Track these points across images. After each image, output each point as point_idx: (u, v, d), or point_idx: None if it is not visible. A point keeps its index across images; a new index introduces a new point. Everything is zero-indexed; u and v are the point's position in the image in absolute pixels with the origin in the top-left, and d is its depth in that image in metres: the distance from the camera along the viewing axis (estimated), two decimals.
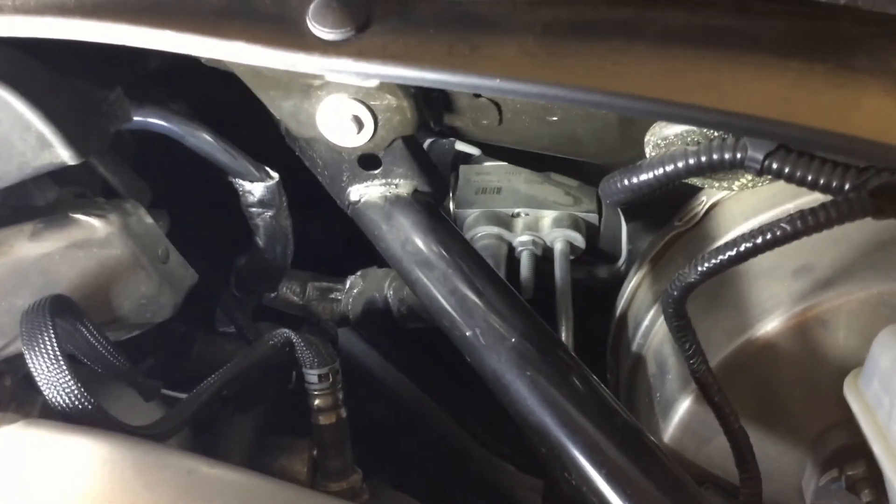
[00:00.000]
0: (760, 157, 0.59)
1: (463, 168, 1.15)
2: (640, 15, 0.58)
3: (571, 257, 1.08)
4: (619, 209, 1.07)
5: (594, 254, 1.11)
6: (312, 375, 0.81)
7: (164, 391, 0.86)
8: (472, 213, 1.09)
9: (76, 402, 0.67)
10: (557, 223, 1.07)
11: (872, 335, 0.71)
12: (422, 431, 1.29)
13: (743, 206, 0.87)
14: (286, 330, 0.82)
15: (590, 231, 1.08)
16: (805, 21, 0.58)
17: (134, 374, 0.81)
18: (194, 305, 0.95)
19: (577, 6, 0.59)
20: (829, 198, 0.59)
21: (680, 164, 0.62)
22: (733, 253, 0.61)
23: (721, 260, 0.62)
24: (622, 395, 0.98)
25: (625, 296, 0.99)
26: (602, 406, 0.71)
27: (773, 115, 0.54)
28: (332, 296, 1.11)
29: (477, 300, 0.75)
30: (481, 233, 1.07)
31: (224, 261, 1.09)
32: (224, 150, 0.90)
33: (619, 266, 1.10)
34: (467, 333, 0.74)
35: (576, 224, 1.07)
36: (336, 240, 1.22)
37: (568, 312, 1.00)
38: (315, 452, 0.88)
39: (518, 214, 1.09)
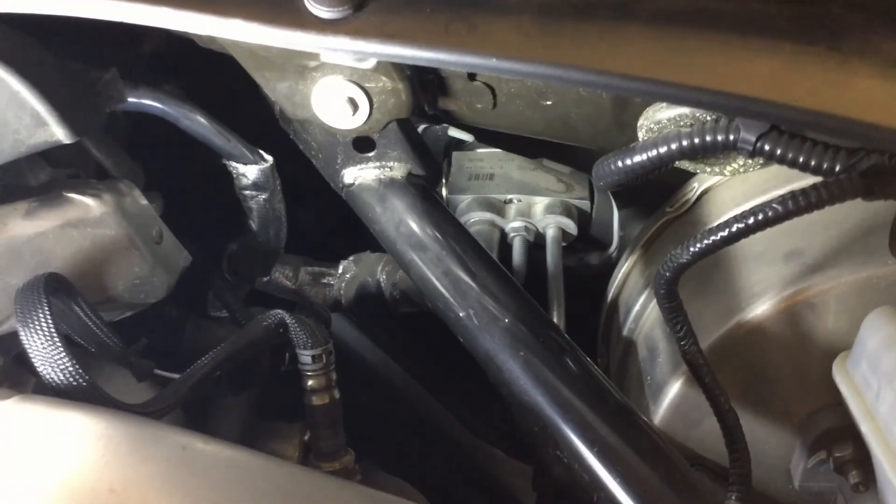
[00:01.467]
0: (753, 138, 0.59)
1: (456, 154, 1.15)
2: None
3: (563, 244, 1.08)
4: (610, 196, 1.08)
5: (586, 240, 1.12)
6: (306, 356, 0.81)
7: (157, 371, 0.87)
8: (464, 199, 1.09)
9: (71, 379, 0.67)
10: (550, 210, 1.07)
11: (861, 318, 0.72)
12: (410, 417, 1.30)
13: (734, 192, 0.88)
14: (280, 311, 0.83)
15: (582, 218, 1.09)
16: (796, 5, 0.58)
17: (127, 355, 0.82)
18: (186, 289, 0.95)
19: None
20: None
21: (673, 146, 0.62)
22: (725, 233, 0.62)
23: (713, 240, 0.63)
24: (613, 381, 0.99)
25: (616, 281, 1.00)
26: (594, 386, 0.71)
27: (765, 95, 0.54)
28: (325, 280, 1.12)
29: (470, 281, 0.75)
30: (474, 218, 1.08)
31: (217, 245, 1.09)
32: (218, 133, 0.90)
33: (610, 253, 1.11)
34: (461, 314, 0.74)
35: (568, 211, 1.08)
36: (328, 224, 1.23)
37: (559, 299, 1.01)
38: (307, 437, 0.89)
39: (510, 201, 1.09)
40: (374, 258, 1.07)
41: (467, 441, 1.29)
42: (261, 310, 1.15)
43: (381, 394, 1.27)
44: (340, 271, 1.11)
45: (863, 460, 0.74)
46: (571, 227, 1.07)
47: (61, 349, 0.67)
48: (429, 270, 0.77)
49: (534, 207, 1.09)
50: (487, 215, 1.07)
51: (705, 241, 0.63)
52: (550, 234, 1.07)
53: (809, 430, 0.79)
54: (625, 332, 0.95)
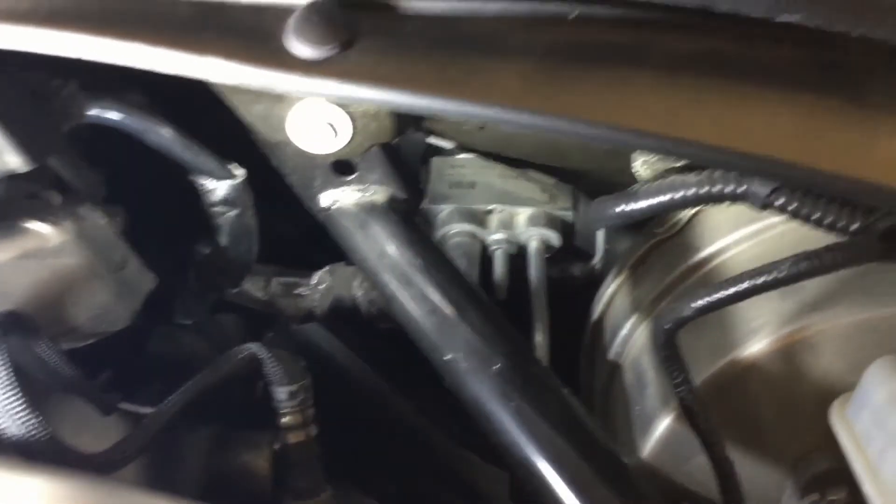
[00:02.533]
0: (765, 192, 0.56)
1: (435, 160, 1.11)
2: (644, 39, 0.55)
3: (546, 255, 1.05)
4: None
5: (569, 251, 1.08)
6: (281, 392, 0.77)
7: (123, 406, 0.82)
8: (444, 209, 1.05)
9: (31, 433, 0.63)
10: (533, 221, 1.04)
11: (860, 360, 0.71)
12: (386, 422, 1.27)
13: (728, 214, 0.85)
14: (253, 344, 0.78)
15: (565, 229, 1.05)
16: (815, 49, 0.55)
17: (90, 389, 0.77)
18: (152, 297, 0.91)
19: (578, 28, 0.55)
20: None
21: (678, 195, 0.59)
22: (732, 291, 0.59)
23: (718, 298, 0.60)
24: (598, 402, 0.97)
25: (602, 300, 0.97)
26: (587, 436, 0.68)
27: (782, 155, 0.51)
28: (298, 291, 1.07)
29: (458, 322, 0.71)
30: (454, 230, 1.04)
31: (184, 251, 1.04)
32: (185, 147, 0.84)
33: (594, 264, 1.08)
34: (447, 357, 0.71)
35: (551, 222, 1.04)
36: (303, 231, 1.18)
37: (543, 316, 0.97)
38: (277, 446, 0.85)
39: (492, 211, 1.05)
40: (350, 271, 1.03)
41: (445, 446, 1.27)
42: (229, 317, 1.11)
43: (357, 399, 1.24)
44: (314, 282, 1.06)
45: None
46: (555, 239, 1.04)
47: (22, 401, 0.62)
48: (412, 308, 0.73)
49: (516, 218, 1.05)
50: (468, 227, 1.03)
51: (710, 298, 0.60)
52: (533, 246, 1.03)
53: (802, 471, 0.78)
54: (611, 354, 0.93)
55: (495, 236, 1.04)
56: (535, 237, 1.04)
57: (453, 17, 0.56)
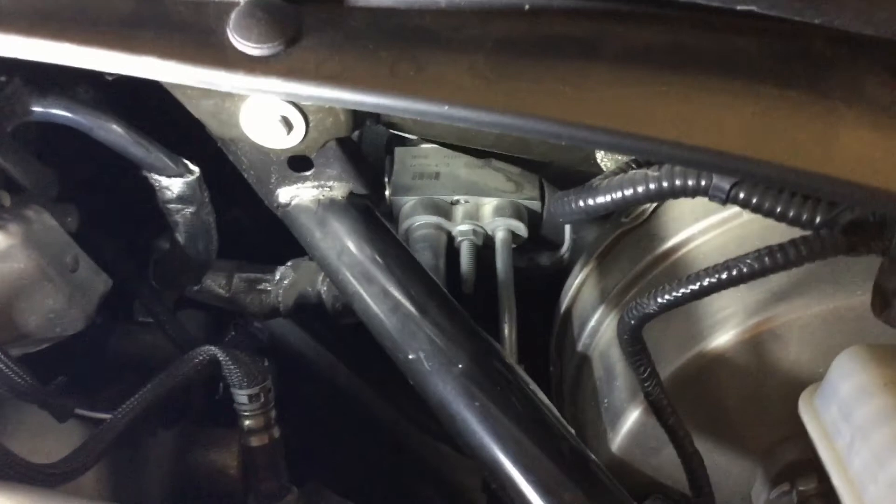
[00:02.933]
0: (727, 186, 0.55)
1: (399, 151, 1.09)
2: (601, 30, 0.53)
3: (513, 246, 1.03)
4: None
5: (536, 241, 1.07)
6: (242, 396, 0.76)
7: (79, 411, 0.80)
8: (409, 201, 1.03)
9: None
10: (499, 211, 1.02)
11: (827, 350, 0.70)
12: (357, 416, 1.26)
13: (693, 203, 0.84)
14: (211, 347, 0.76)
15: (532, 219, 1.04)
16: (776, 40, 0.53)
17: (44, 396, 0.75)
18: (111, 295, 0.88)
19: (531, 19, 0.53)
20: None
21: (640, 189, 0.57)
22: (696, 287, 0.58)
23: (682, 293, 0.59)
24: (567, 394, 0.96)
25: (570, 292, 0.96)
26: (552, 435, 0.67)
27: (741, 151, 0.50)
28: (261, 287, 1.05)
29: (421, 320, 0.70)
30: (419, 222, 1.02)
31: (143, 249, 1.01)
32: (137, 143, 0.81)
33: (561, 254, 1.07)
34: (410, 357, 0.69)
35: (518, 212, 1.02)
36: (264, 224, 1.15)
37: (511, 308, 0.96)
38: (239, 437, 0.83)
39: (457, 202, 1.03)
40: (314, 267, 1.01)
41: (416, 438, 1.26)
42: (191, 313, 1.09)
43: (327, 393, 1.23)
44: (278, 278, 1.04)
45: (828, 494, 0.72)
46: (522, 229, 1.02)
47: None
48: (375, 306, 0.71)
49: (482, 209, 1.03)
50: (433, 218, 1.01)
51: (674, 294, 0.59)
52: (500, 236, 1.02)
53: (772, 461, 0.77)
54: (579, 346, 0.91)
55: (461, 227, 1.02)
56: (502, 228, 1.02)
57: (402, 9, 0.53)
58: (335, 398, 1.23)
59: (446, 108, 0.51)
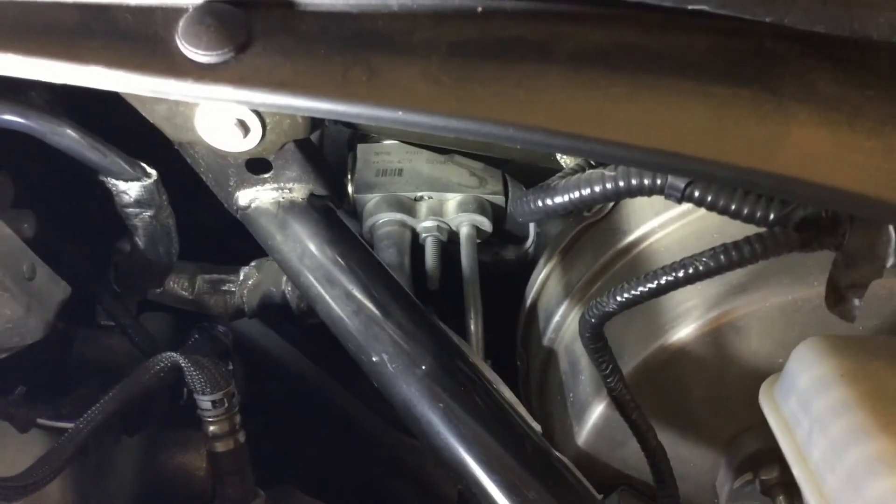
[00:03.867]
0: (682, 185, 0.55)
1: (361, 147, 1.08)
2: (553, 32, 0.53)
3: (478, 241, 1.03)
4: (524, 189, 1.04)
5: (501, 235, 1.07)
6: (205, 402, 0.75)
7: (41, 421, 0.79)
8: (372, 198, 1.03)
9: None
10: (463, 207, 1.02)
11: (785, 340, 0.71)
12: (326, 412, 1.25)
13: (654, 198, 0.84)
14: (173, 354, 0.76)
15: (496, 213, 1.04)
16: (727, 38, 0.54)
17: (5, 406, 0.74)
18: (73, 299, 0.87)
19: (484, 22, 0.53)
20: None
21: (597, 189, 0.58)
22: (653, 285, 0.58)
23: (641, 291, 0.59)
24: (533, 388, 0.96)
25: (534, 286, 0.96)
26: (515, 435, 0.67)
27: (694, 152, 0.50)
28: (225, 288, 1.04)
29: (384, 322, 0.70)
30: (383, 219, 1.01)
31: (104, 251, 1.00)
32: (93, 148, 0.80)
33: (527, 248, 1.07)
34: (374, 359, 0.69)
35: (482, 207, 1.02)
36: (227, 223, 1.14)
37: (476, 303, 0.96)
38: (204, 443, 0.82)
39: (421, 198, 1.03)
40: (278, 267, 1.00)
41: (387, 434, 1.26)
42: (154, 316, 1.08)
43: (296, 392, 1.22)
44: (242, 278, 1.03)
45: (789, 483, 0.73)
46: (486, 224, 1.02)
47: None
48: (338, 308, 0.71)
49: (446, 205, 1.03)
50: (397, 215, 1.01)
51: (632, 292, 0.59)
52: (464, 232, 1.02)
53: (735, 451, 0.78)
54: (545, 340, 0.92)
55: (425, 224, 1.02)
56: (466, 223, 1.02)
57: (354, 13, 0.53)
58: (304, 396, 1.23)
59: (400, 113, 0.50)
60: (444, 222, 1.02)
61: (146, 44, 0.51)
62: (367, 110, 0.51)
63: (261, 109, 0.62)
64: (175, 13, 0.52)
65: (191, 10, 0.52)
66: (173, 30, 0.51)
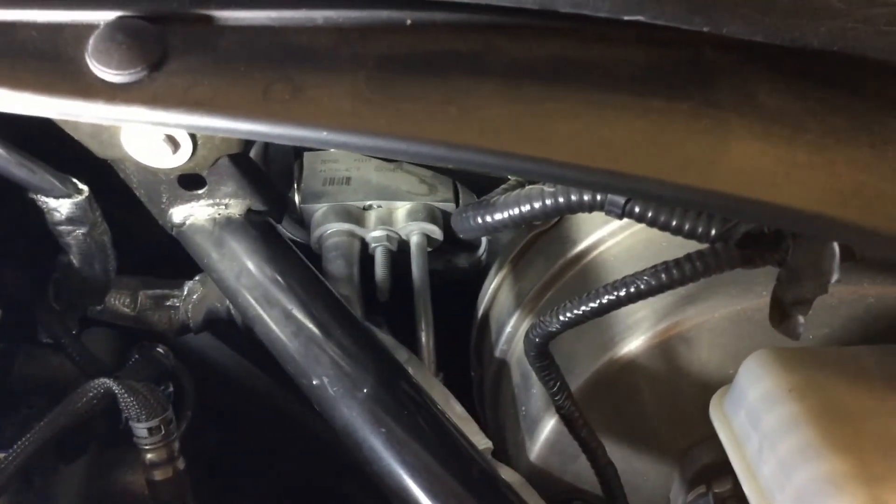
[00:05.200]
0: (622, 201, 0.53)
1: (307, 156, 1.05)
2: (486, 45, 0.51)
3: (429, 249, 1.01)
4: (475, 198, 1.02)
5: (453, 242, 1.05)
6: (141, 429, 0.72)
7: None
8: (320, 208, 1.00)
9: None
10: (413, 215, 1.00)
11: (735, 351, 0.70)
12: (282, 424, 1.23)
13: None
14: (105, 380, 0.73)
15: (447, 221, 1.02)
16: (665, 50, 0.52)
17: None
18: (13, 319, 0.84)
19: (415, 35, 0.51)
20: None
21: (536, 205, 0.56)
22: (595, 305, 0.57)
23: (583, 310, 0.57)
24: (487, 399, 0.94)
25: (486, 296, 0.94)
26: (460, 459, 0.65)
27: (632, 169, 0.48)
28: (169, 303, 1.00)
29: (324, 343, 0.67)
30: (331, 230, 0.99)
31: (42, 269, 0.96)
32: (20, 164, 0.76)
33: (479, 255, 1.05)
34: (314, 382, 0.67)
35: (432, 215, 1.00)
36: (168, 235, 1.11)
37: (427, 314, 0.94)
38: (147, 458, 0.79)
39: (370, 207, 1.01)
40: None
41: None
42: (96, 332, 1.04)
43: (250, 403, 1.20)
44: (186, 293, 1.00)
45: (742, 496, 0.72)
46: (437, 232, 1.00)
47: None
48: (277, 329, 0.69)
49: (395, 213, 1.01)
50: (346, 226, 0.98)
51: (575, 311, 0.58)
52: (415, 241, 0.99)
53: (688, 464, 0.77)
54: (497, 351, 0.90)
55: (374, 233, 0.99)
56: (416, 232, 1.00)
57: (277, 27, 0.50)
58: (259, 407, 1.20)
59: (325, 133, 0.48)
60: (394, 231, 1.00)
61: (54, 63, 0.48)
62: (290, 130, 0.48)
63: (176, 130, 0.59)
64: (85, 30, 0.49)
65: (102, 26, 0.49)
66: (83, 48, 0.48)
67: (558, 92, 0.50)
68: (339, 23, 0.51)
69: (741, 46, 0.51)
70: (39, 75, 0.48)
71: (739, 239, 0.53)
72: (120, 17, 0.49)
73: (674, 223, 0.53)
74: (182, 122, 0.48)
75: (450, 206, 1.01)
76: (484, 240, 1.04)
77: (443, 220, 1.01)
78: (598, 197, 0.54)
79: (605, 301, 0.56)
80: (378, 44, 0.50)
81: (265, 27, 0.51)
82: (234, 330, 1.05)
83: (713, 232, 0.53)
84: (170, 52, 0.49)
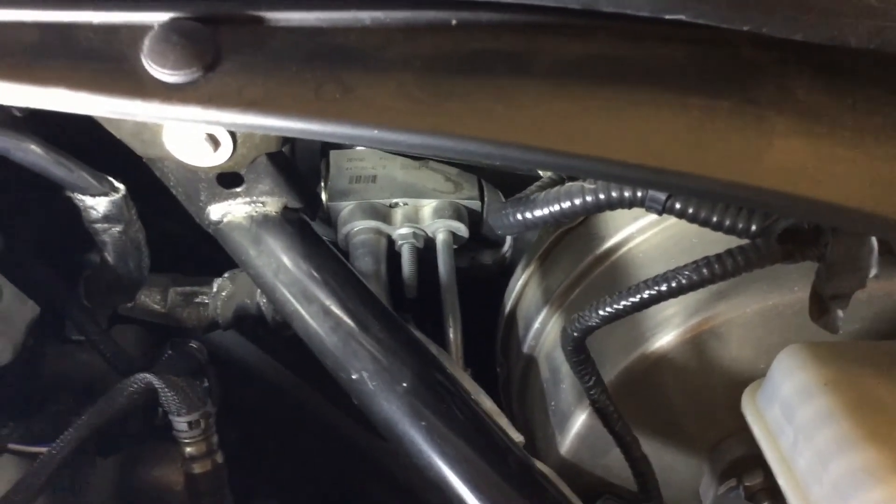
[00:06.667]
0: (662, 198, 0.54)
1: (334, 154, 1.06)
2: (530, 44, 0.52)
3: (454, 247, 1.02)
4: (500, 195, 1.03)
5: (478, 240, 1.06)
6: (181, 423, 0.73)
7: (12, 446, 0.77)
8: (346, 206, 1.01)
9: None
10: (438, 213, 1.01)
11: (766, 346, 0.71)
12: (304, 420, 1.24)
13: None
14: (147, 375, 0.74)
15: (472, 218, 1.03)
16: (705, 48, 0.53)
17: None
18: (42, 315, 0.85)
19: (460, 36, 0.51)
20: None
21: (577, 202, 0.57)
22: (636, 300, 0.57)
23: (623, 306, 0.58)
24: (514, 396, 0.95)
25: (513, 292, 0.95)
26: (498, 450, 0.66)
27: (675, 166, 0.49)
28: (198, 300, 1.02)
29: (362, 337, 0.68)
30: (358, 227, 1.00)
31: (73, 265, 0.98)
32: (58, 163, 0.78)
33: (504, 252, 1.06)
34: (353, 377, 0.67)
35: (458, 213, 1.01)
36: (197, 233, 1.12)
37: (455, 310, 0.95)
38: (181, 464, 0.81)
39: (396, 205, 1.02)
40: None
41: (366, 440, 1.25)
42: (125, 329, 1.05)
43: (275, 401, 1.21)
44: (215, 290, 1.01)
45: (774, 489, 0.73)
46: (462, 229, 1.01)
47: None
48: (315, 325, 0.69)
49: (421, 211, 1.02)
50: (372, 223, 0.99)
51: (615, 307, 0.59)
52: (441, 238, 1.01)
53: (718, 458, 0.78)
54: (525, 347, 0.91)
55: (401, 231, 1.00)
56: (442, 229, 1.01)
57: (326, 28, 0.51)
58: (283, 406, 1.21)
59: (376, 132, 0.49)
60: (420, 229, 1.01)
61: (110, 64, 0.50)
62: (342, 129, 0.49)
63: (231, 130, 0.60)
64: (140, 31, 0.50)
65: (156, 27, 0.50)
66: (138, 49, 0.50)
67: (601, 90, 0.51)
68: (385, 23, 0.52)
69: (780, 45, 0.52)
70: (96, 75, 0.49)
71: (779, 234, 0.53)
72: (173, 19, 0.50)
73: (714, 219, 0.54)
74: (237, 121, 0.50)
75: (475, 204, 1.03)
76: (509, 238, 1.05)
77: (468, 217, 1.02)
78: (639, 193, 0.55)
79: (645, 296, 0.57)
80: (424, 44, 0.51)
81: (314, 28, 0.52)
82: (257, 327, 1.07)
83: (753, 228, 0.54)
84: (223, 52, 0.50)
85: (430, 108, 0.49)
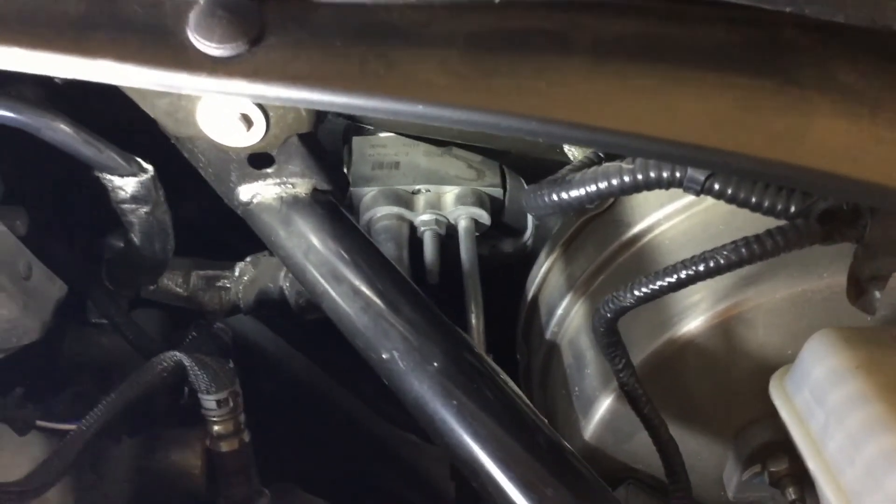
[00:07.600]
0: (702, 178, 0.54)
1: (356, 140, 1.06)
2: (572, 22, 0.52)
3: (476, 234, 1.02)
4: (523, 182, 1.03)
5: (499, 227, 1.06)
6: (210, 401, 0.74)
7: (41, 423, 0.77)
8: (369, 192, 1.01)
9: None
10: (461, 200, 1.01)
11: (795, 332, 0.71)
12: (322, 408, 1.24)
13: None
14: (176, 353, 0.74)
15: (494, 205, 1.03)
16: (747, 28, 0.53)
17: (4, 409, 0.73)
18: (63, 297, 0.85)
19: (503, 13, 0.52)
20: None
21: (614, 182, 0.57)
22: (673, 280, 0.58)
23: (660, 286, 0.58)
24: (535, 382, 0.95)
25: (536, 279, 0.96)
26: (528, 429, 0.67)
27: (718, 144, 0.49)
28: (220, 283, 1.02)
29: (393, 318, 0.68)
30: (380, 213, 1.00)
31: (95, 247, 0.98)
32: (87, 143, 0.78)
33: (525, 240, 1.06)
34: (384, 356, 0.68)
35: (480, 200, 1.01)
36: (218, 218, 1.13)
37: (477, 297, 0.95)
38: (209, 442, 0.81)
39: (419, 191, 1.02)
40: (275, 262, 0.99)
41: (382, 429, 1.25)
42: (149, 313, 1.06)
43: (290, 386, 1.21)
44: (237, 274, 1.02)
45: (799, 475, 0.74)
46: (484, 217, 1.01)
47: None
48: (345, 305, 0.70)
49: (444, 197, 1.02)
50: (395, 209, 1.00)
51: (651, 287, 0.59)
52: (463, 225, 1.01)
53: (743, 443, 0.78)
54: (548, 334, 0.91)
55: (423, 217, 1.01)
56: (464, 216, 1.01)
57: (369, 5, 0.52)
58: (299, 392, 1.21)
59: (420, 107, 0.49)
60: (443, 216, 1.01)
61: (156, 36, 0.50)
62: (387, 104, 0.50)
63: (276, 104, 0.60)
64: (185, 5, 0.51)
65: (202, 1, 0.50)
66: (184, 22, 0.50)
67: (643, 68, 0.51)
68: (429, 0, 0.52)
69: (822, 27, 0.53)
70: (143, 48, 0.50)
71: (818, 215, 0.54)
72: None
73: (753, 199, 0.54)
74: (282, 95, 0.50)
75: (497, 192, 1.03)
76: (530, 225, 1.05)
77: (490, 205, 1.02)
78: (678, 173, 0.55)
79: (683, 276, 0.57)
80: (467, 21, 0.52)
81: (358, 4, 0.52)
82: (279, 315, 1.07)
83: (792, 209, 0.54)
84: (268, 27, 0.50)
85: (474, 84, 0.50)
